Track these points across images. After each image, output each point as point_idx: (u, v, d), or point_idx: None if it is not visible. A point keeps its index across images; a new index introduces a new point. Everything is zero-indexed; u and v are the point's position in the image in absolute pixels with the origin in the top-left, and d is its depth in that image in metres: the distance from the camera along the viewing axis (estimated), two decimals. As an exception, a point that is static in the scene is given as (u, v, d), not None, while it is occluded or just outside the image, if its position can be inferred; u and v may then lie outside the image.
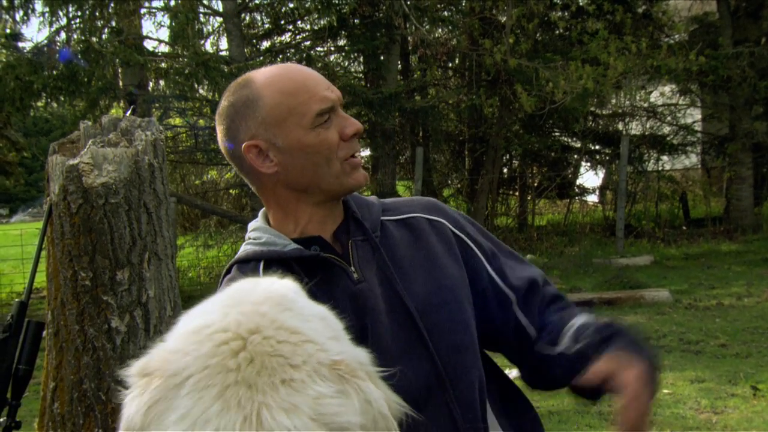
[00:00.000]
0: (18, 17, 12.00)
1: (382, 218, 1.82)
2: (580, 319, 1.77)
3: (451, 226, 1.86)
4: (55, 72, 10.81)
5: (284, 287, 1.17)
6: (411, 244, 1.79)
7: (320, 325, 1.11)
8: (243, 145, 1.71)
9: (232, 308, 1.09)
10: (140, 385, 1.04)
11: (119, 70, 12.35)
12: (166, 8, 12.98)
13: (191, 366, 1.01)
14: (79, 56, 10.67)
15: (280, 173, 1.72)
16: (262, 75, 1.73)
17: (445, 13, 15.01)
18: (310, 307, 1.15)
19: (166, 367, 1.03)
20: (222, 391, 0.99)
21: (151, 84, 13.21)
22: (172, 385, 1.01)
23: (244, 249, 1.79)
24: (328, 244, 1.74)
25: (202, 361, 1.01)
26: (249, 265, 1.74)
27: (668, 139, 16.26)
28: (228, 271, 1.79)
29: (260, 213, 1.86)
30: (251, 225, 1.85)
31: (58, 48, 11.36)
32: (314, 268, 1.70)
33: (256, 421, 0.97)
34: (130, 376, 1.07)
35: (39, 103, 12.43)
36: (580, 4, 14.29)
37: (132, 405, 1.03)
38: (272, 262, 1.71)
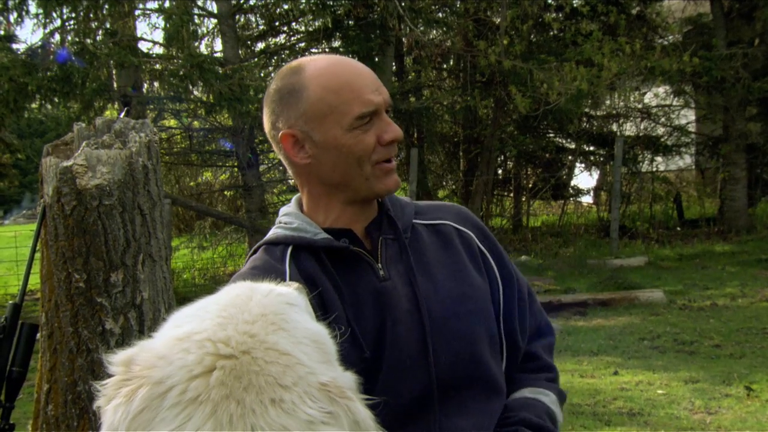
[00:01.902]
0: (12, 19, 11.99)
1: (414, 221, 1.84)
2: (518, 393, 1.83)
3: (478, 241, 1.87)
4: (49, 73, 10.78)
5: (282, 301, 1.16)
6: (440, 249, 1.81)
7: (312, 349, 1.10)
8: (281, 132, 1.72)
9: (224, 321, 1.08)
10: (125, 393, 1.02)
11: (114, 72, 12.32)
12: (160, 10, 12.97)
13: (176, 375, 1.00)
14: (73, 57, 10.65)
15: (312, 166, 1.73)
16: (312, 65, 1.72)
17: (440, 15, 15.01)
18: (305, 326, 1.14)
19: (150, 374, 1.02)
20: (214, 408, 0.98)
21: (145, 85, 13.19)
22: (156, 394, 1.00)
23: (274, 232, 1.80)
24: (358, 239, 1.75)
25: (187, 371, 1.00)
26: (277, 248, 1.75)
27: (662, 140, 16.28)
28: (255, 251, 1.80)
29: (294, 198, 1.87)
30: (283, 210, 1.86)
31: (53, 49, 11.33)
32: (342, 260, 1.72)
33: None
34: (115, 365, 1.06)
35: (33, 105, 12.41)
36: (574, 5, 14.29)
37: (117, 413, 1.02)
38: (301, 248, 1.72)
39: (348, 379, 1.10)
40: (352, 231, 1.75)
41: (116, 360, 1.07)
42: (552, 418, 1.77)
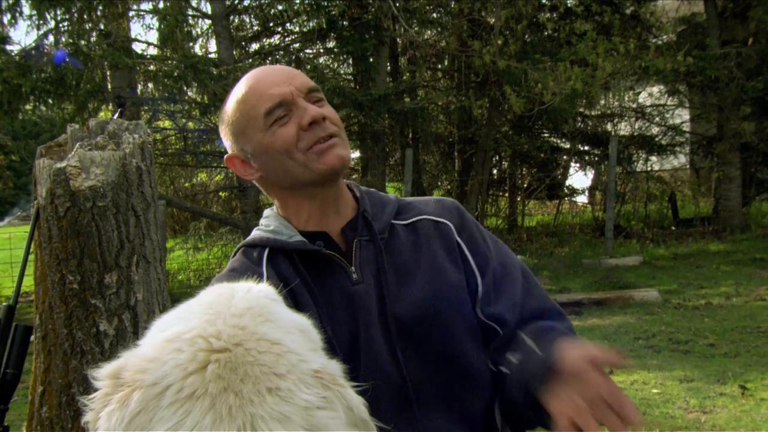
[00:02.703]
0: (5, 20, 11.96)
1: (394, 221, 1.81)
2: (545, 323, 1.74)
3: (455, 231, 1.82)
4: (43, 75, 10.77)
5: (263, 296, 1.17)
6: (416, 248, 1.78)
7: (299, 337, 1.11)
8: (225, 157, 1.77)
9: (212, 317, 1.08)
10: (118, 398, 1.01)
11: (108, 73, 12.31)
12: (154, 11, 12.96)
13: (171, 375, 1.00)
14: (67, 59, 10.64)
15: (264, 177, 1.75)
16: (234, 87, 1.76)
17: (434, 15, 15.01)
18: (289, 317, 1.16)
19: (143, 377, 1.01)
20: (212, 401, 0.98)
21: (140, 87, 13.17)
22: (152, 395, 0.99)
23: (254, 234, 1.81)
24: (333, 241, 1.74)
25: (181, 369, 1.00)
26: (255, 251, 1.75)
27: (657, 139, 16.32)
28: (235, 254, 1.80)
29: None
30: (266, 211, 1.86)
31: (47, 50, 11.31)
32: (316, 263, 1.71)
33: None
34: (102, 380, 1.05)
35: (27, 107, 12.38)
36: (569, 5, 14.33)
37: (111, 419, 1.01)
38: (277, 250, 1.73)
39: (336, 367, 1.12)
40: (327, 234, 1.75)
41: (102, 374, 1.06)
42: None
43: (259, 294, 1.17)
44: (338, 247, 1.74)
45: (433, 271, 1.75)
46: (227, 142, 1.77)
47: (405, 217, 1.83)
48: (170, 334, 1.06)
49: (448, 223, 1.83)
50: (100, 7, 11.86)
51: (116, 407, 1.01)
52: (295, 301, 1.63)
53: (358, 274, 1.71)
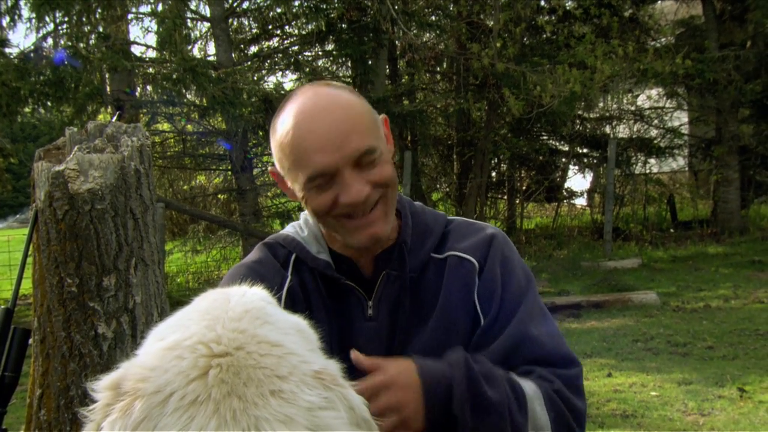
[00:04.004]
0: (4, 23, 11.96)
1: (432, 255, 1.71)
2: None
3: (477, 272, 1.68)
4: (42, 78, 10.77)
5: (258, 298, 1.18)
6: (437, 289, 1.67)
7: (298, 338, 1.12)
8: (270, 168, 1.70)
9: (211, 323, 1.09)
10: (120, 407, 1.01)
11: (106, 76, 12.30)
12: (153, 13, 12.95)
13: (173, 382, 1.00)
14: (66, 61, 10.64)
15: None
16: (289, 106, 1.60)
17: (433, 18, 15.02)
18: (286, 318, 1.16)
19: (145, 386, 1.01)
20: (216, 406, 0.98)
21: (138, 89, 13.17)
22: (156, 403, 0.99)
23: (288, 230, 1.76)
24: (357, 269, 1.69)
25: (184, 376, 1.00)
26: (284, 251, 1.72)
27: (655, 142, 16.32)
28: (264, 244, 1.76)
29: None
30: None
31: (46, 53, 11.32)
32: (337, 287, 1.67)
33: None
34: (101, 391, 1.05)
35: (26, 109, 12.37)
36: (567, 8, 14.33)
37: (114, 427, 1.01)
38: (302, 261, 1.70)
39: (336, 367, 1.13)
40: (352, 260, 1.69)
41: (102, 385, 1.06)
42: (516, 391, 1.50)
43: (254, 297, 1.18)
44: (362, 277, 1.69)
45: (444, 318, 1.65)
46: (274, 156, 1.65)
47: (442, 249, 1.72)
48: (170, 342, 1.07)
49: (473, 260, 1.69)
50: (99, 10, 11.86)
51: (119, 416, 1.01)
52: (311, 315, 1.58)
53: (374, 311, 1.66)
